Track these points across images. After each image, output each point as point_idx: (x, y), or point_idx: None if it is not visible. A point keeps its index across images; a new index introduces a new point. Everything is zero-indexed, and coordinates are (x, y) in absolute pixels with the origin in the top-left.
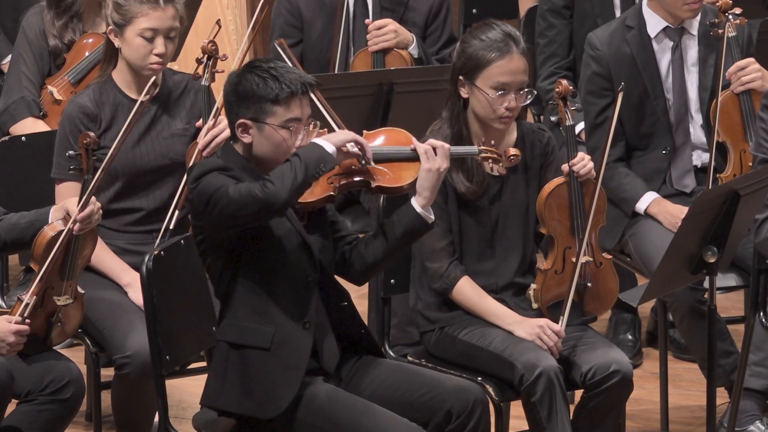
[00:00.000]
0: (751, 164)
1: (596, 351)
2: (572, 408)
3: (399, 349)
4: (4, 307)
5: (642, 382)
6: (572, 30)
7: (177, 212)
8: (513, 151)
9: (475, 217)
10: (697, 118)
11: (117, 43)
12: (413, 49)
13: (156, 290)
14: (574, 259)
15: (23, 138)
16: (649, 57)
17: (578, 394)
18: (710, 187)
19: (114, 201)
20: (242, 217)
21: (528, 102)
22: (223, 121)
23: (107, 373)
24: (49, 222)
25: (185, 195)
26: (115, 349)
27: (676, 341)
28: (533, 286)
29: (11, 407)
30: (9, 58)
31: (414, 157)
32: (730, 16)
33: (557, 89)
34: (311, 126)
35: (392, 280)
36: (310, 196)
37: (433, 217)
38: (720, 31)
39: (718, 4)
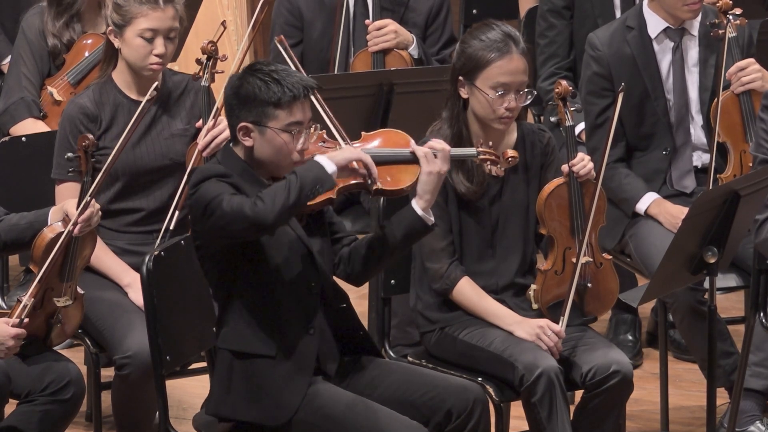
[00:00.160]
0: (751, 165)
1: (596, 351)
2: (572, 408)
3: (399, 350)
4: (4, 307)
5: (642, 382)
6: (572, 30)
7: (177, 212)
8: (511, 152)
9: (476, 218)
10: (697, 119)
11: (117, 43)
12: (413, 50)
13: (156, 290)
14: (574, 260)
15: (23, 138)
16: (649, 57)
17: (578, 394)
18: (710, 188)
19: (114, 201)
20: (232, 232)
21: (528, 102)
22: (223, 121)
23: (107, 374)
24: (49, 223)
25: (185, 195)
26: (116, 350)
27: (676, 342)
28: (533, 286)
29: (11, 407)
30: (9, 58)
31: (413, 160)
32: (731, 17)
33: (557, 90)
34: (312, 129)
35: (392, 281)
36: None
37: (433, 219)
38: (720, 31)
39: (718, 4)
